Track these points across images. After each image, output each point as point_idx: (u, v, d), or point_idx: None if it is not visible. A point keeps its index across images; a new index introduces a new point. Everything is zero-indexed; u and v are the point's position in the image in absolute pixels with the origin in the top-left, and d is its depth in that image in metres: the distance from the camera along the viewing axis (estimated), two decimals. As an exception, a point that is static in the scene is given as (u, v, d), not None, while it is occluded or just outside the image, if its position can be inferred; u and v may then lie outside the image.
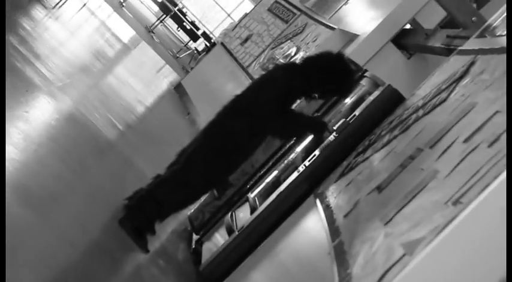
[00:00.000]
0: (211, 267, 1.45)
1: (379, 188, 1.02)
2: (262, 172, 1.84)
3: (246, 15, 4.05)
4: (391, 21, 1.82)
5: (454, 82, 1.15)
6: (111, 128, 2.32)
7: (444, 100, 1.12)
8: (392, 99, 1.47)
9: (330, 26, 2.48)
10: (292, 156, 1.72)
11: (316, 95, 1.63)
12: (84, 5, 5.16)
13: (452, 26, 1.64)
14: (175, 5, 6.55)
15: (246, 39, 3.43)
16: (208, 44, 6.28)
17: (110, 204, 1.60)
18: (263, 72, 1.80)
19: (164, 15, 6.66)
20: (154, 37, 6.24)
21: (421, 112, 1.19)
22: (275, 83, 1.61)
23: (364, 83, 1.73)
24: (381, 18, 1.87)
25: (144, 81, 4.23)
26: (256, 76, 2.16)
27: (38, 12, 3.36)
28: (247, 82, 2.70)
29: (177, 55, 6.18)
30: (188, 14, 6.82)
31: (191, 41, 6.54)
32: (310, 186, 1.42)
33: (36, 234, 1.17)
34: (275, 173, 1.73)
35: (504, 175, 0.68)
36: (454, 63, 1.26)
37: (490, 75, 1.02)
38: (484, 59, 1.12)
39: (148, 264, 1.48)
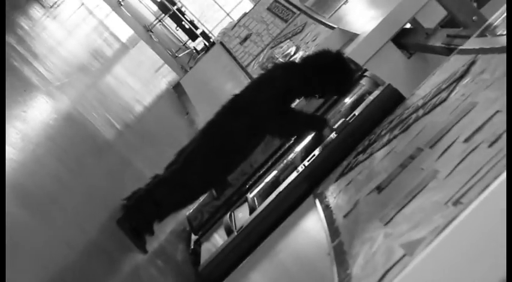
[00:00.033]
0: (210, 268, 1.45)
1: (379, 188, 1.01)
2: (261, 172, 1.83)
3: (245, 14, 4.05)
4: (391, 21, 1.82)
5: (455, 82, 1.14)
6: (110, 127, 2.32)
7: (444, 100, 1.12)
8: (392, 99, 1.47)
9: (329, 25, 2.47)
10: (292, 156, 1.72)
11: (316, 95, 1.63)
12: (82, 4, 5.14)
13: (453, 25, 1.64)
14: (174, 4, 6.54)
15: (245, 39, 3.43)
16: (207, 44, 6.27)
17: (108, 204, 1.59)
18: (262, 72, 1.79)
19: (163, 15, 6.65)
20: (153, 36, 6.23)
21: (421, 112, 1.19)
22: (274, 83, 1.60)
23: (364, 82, 1.72)
24: (380, 18, 1.86)
25: (142, 80, 4.23)
26: (255, 76, 2.16)
27: (35, 11, 3.35)
28: (246, 82, 2.69)
29: (176, 54, 6.17)
30: (187, 13, 6.81)
31: (190, 40, 6.53)
32: (309, 186, 1.42)
33: (33, 234, 1.16)
34: (274, 173, 1.73)
35: (504, 175, 0.68)
36: (454, 63, 1.26)
37: (491, 75, 1.02)
38: (485, 59, 1.12)
39: (147, 264, 1.47)
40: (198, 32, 6.36)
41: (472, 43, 1.28)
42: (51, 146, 1.66)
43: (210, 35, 6.76)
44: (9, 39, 2.24)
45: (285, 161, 1.73)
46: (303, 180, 1.46)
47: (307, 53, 2.34)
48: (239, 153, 1.62)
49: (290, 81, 1.58)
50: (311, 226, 1.25)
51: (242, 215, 1.60)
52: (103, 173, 1.84)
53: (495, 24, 1.26)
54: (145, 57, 5.10)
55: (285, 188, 1.48)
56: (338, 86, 1.65)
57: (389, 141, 1.22)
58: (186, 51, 6.41)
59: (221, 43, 3.80)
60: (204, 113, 2.88)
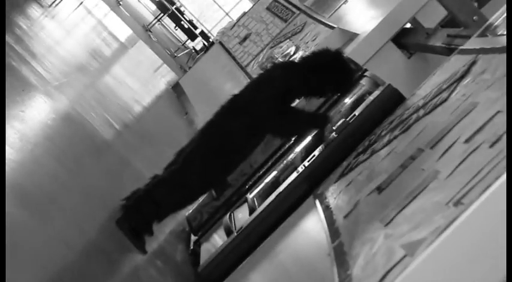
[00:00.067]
0: (209, 269, 1.44)
1: (380, 189, 1.01)
2: (261, 172, 1.83)
3: (244, 14, 4.04)
4: (391, 20, 1.82)
5: (455, 82, 1.14)
6: (108, 127, 2.31)
7: (445, 100, 1.11)
8: (393, 99, 1.46)
9: (329, 25, 2.47)
10: (292, 156, 1.71)
11: (316, 95, 1.62)
12: (81, 3, 5.13)
13: (453, 25, 1.63)
14: (173, 3, 6.52)
15: (245, 39, 3.42)
16: (206, 43, 6.26)
17: (106, 205, 1.58)
18: (261, 72, 1.79)
19: (162, 14, 6.64)
20: (151, 36, 6.21)
21: (421, 112, 1.19)
22: (273, 83, 1.60)
23: (364, 82, 1.72)
24: (381, 17, 1.86)
25: (141, 80, 4.21)
26: (255, 75, 2.15)
27: (34, 10, 3.33)
28: (245, 81, 2.69)
29: (175, 54, 6.16)
30: (186, 12, 6.79)
31: (189, 40, 6.52)
32: (309, 186, 1.41)
33: (31, 234, 1.15)
34: (274, 173, 1.72)
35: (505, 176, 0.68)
36: (455, 63, 1.26)
37: (492, 75, 1.01)
38: (486, 59, 1.11)
39: (146, 265, 1.46)
40: (197, 31, 6.35)
41: (472, 43, 1.28)
42: (49, 146, 1.65)
43: (209, 34, 6.74)
44: (8, 38, 2.23)
45: (285, 162, 1.73)
46: (303, 181, 1.45)
47: (306, 53, 2.34)
48: (238, 153, 1.62)
49: (289, 81, 1.58)
50: (311, 227, 1.24)
51: (242, 216, 1.59)
52: (102, 173, 1.84)
53: (496, 24, 1.26)
54: (144, 57, 5.09)
55: (285, 189, 1.47)
56: (338, 85, 1.64)
57: (389, 141, 1.22)
58: (185, 51, 6.40)
59: (220, 43, 3.80)
60: (203, 113, 2.88)
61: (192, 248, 1.73)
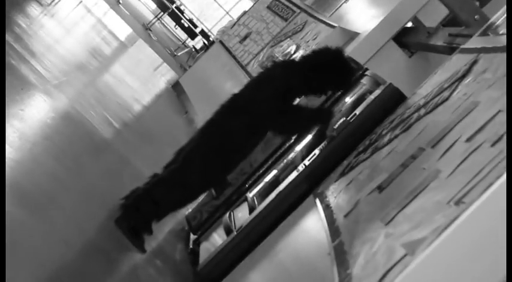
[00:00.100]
0: (209, 268, 1.44)
1: (380, 188, 1.01)
2: (261, 171, 1.82)
3: (245, 13, 4.03)
4: (392, 19, 1.81)
5: (457, 81, 1.14)
6: (108, 126, 2.30)
7: (446, 99, 1.11)
8: (394, 98, 1.46)
9: (330, 24, 2.46)
10: (292, 155, 1.71)
11: (317, 93, 1.62)
12: (81, 2, 5.11)
13: (455, 24, 1.63)
14: (173, 2, 6.50)
15: (245, 37, 3.41)
16: (206, 42, 6.25)
17: (106, 204, 1.58)
18: (261, 70, 1.78)
19: (162, 13, 6.62)
20: (151, 35, 6.20)
21: (422, 111, 1.18)
22: (274, 82, 1.59)
23: (365, 81, 1.71)
24: (382, 16, 1.86)
25: (141, 79, 4.21)
26: (255, 75, 2.15)
27: (33, 9, 3.32)
28: (246, 81, 2.68)
29: (175, 53, 6.15)
30: (186, 11, 6.78)
31: (189, 39, 6.51)
32: (309, 185, 1.41)
33: (30, 233, 1.15)
34: (274, 172, 1.72)
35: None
36: (456, 62, 1.25)
37: (493, 74, 1.01)
38: (487, 58, 1.11)
39: (145, 264, 1.46)
40: (197, 30, 6.34)
41: (474, 42, 1.28)
42: (48, 144, 1.64)
43: (209, 33, 6.73)
44: (7, 37, 2.23)
45: (285, 160, 1.72)
46: (303, 180, 1.45)
47: (307, 52, 2.33)
48: (238, 152, 1.61)
49: (290, 80, 1.57)
50: (311, 226, 1.24)
51: (242, 215, 1.59)
52: (101, 172, 1.83)
53: (497, 23, 1.26)
54: (144, 56, 5.08)
55: (285, 188, 1.47)
56: (338, 84, 1.64)
57: (390, 140, 1.21)
58: (185, 50, 6.39)
59: (220, 42, 3.79)
60: (203, 112, 2.87)
61: (191, 247, 1.73)
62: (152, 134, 2.86)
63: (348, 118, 1.53)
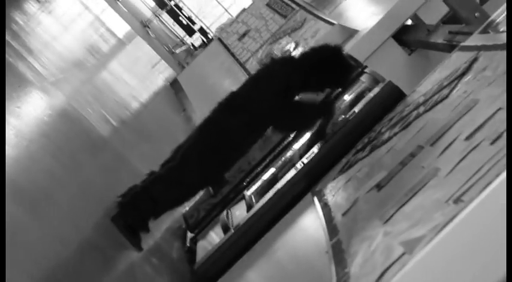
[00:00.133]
0: (206, 266, 1.43)
1: (379, 186, 1.00)
2: (259, 169, 1.82)
3: (244, 10, 4.02)
4: (392, 17, 1.81)
5: (456, 79, 1.13)
6: (105, 123, 2.29)
7: (446, 97, 1.11)
8: (393, 96, 1.45)
9: (329, 22, 2.46)
10: (290, 153, 1.70)
11: (316, 91, 1.61)
12: (79, -2, 5.08)
13: (455, 22, 1.63)
14: (172, -1, 6.48)
15: (244, 35, 3.40)
16: (205, 40, 6.23)
17: (102, 201, 1.57)
18: (259, 67, 1.77)
19: (160, 10, 6.59)
20: (149, 32, 6.18)
21: (422, 109, 1.18)
22: (273, 79, 1.58)
23: (364, 79, 1.71)
24: (381, 14, 1.85)
25: (139, 76, 4.19)
26: (253, 72, 2.14)
27: (30, 6, 3.30)
28: (244, 78, 2.67)
29: (173, 50, 6.13)
30: (184, 8, 6.75)
31: (187, 36, 6.48)
32: (307, 183, 1.40)
33: (26, 230, 1.14)
34: (272, 170, 1.71)
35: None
36: (456, 60, 1.25)
37: (493, 72, 1.01)
38: (487, 56, 1.10)
39: (142, 262, 1.45)
40: (196, 27, 6.32)
41: (474, 40, 1.27)
42: (45, 142, 1.63)
43: (207, 30, 6.71)
44: (4, 34, 2.21)
45: (283, 158, 1.71)
46: (302, 178, 1.44)
47: (306, 48, 2.32)
48: (236, 150, 1.60)
49: (288, 77, 1.56)
50: (309, 224, 1.24)
51: (239, 213, 1.58)
52: (98, 169, 1.82)
53: (498, 20, 1.25)
54: (142, 53, 5.05)
55: (283, 186, 1.46)
56: (337, 82, 1.63)
57: (389, 138, 1.21)
58: (183, 47, 6.37)
59: (219, 39, 3.78)
60: (201, 110, 2.86)
61: (188, 245, 1.72)
62: (150, 131, 2.84)
63: (347, 116, 1.52)
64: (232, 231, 1.46)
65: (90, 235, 1.37)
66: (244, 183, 1.81)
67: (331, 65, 1.58)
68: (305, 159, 1.49)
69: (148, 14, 7.02)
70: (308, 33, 2.58)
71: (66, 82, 2.40)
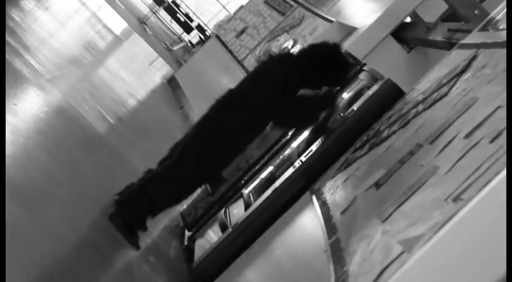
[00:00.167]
0: (204, 265, 1.43)
1: (377, 185, 1.00)
2: (257, 167, 1.81)
3: (241, 7, 4.00)
4: (391, 14, 1.80)
5: (456, 76, 1.13)
6: (102, 121, 2.27)
7: (445, 95, 1.10)
8: (392, 94, 1.45)
9: (328, 19, 2.45)
10: (288, 151, 1.69)
11: (314, 89, 1.60)
12: (75, -5, 5.03)
13: (454, 19, 1.62)
14: (169, -4, 6.44)
15: (242, 32, 3.39)
16: (202, 37, 6.20)
17: (99, 199, 1.56)
18: (257, 64, 1.75)
19: (157, 7, 6.56)
20: (147, 29, 6.14)
21: (421, 107, 1.18)
22: (270, 76, 1.57)
23: (363, 77, 1.70)
24: (380, 11, 1.84)
25: (136, 73, 4.16)
26: (251, 69, 2.12)
27: (27, 2, 3.27)
28: (242, 76, 2.66)
29: (171, 47, 6.10)
30: (182, 5, 6.72)
31: (185, 33, 6.45)
32: (306, 182, 1.40)
33: (21, 228, 1.13)
34: (270, 168, 1.70)
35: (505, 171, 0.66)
36: (455, 57, 1.24)
37: (493, 70, 1.00)
38: (487, 53, 1.10)
39: (139, 261, 1.44)
40: (193, 24, 6.29)
41: (473, 37, 1.27)
42: (41, 139, 1.61)
43: (205, 28, 6.68)
44: (0, 30, 2.18)
45: (281, 157, 1.71)
46: (300, 176, 1.44)
47: (304, 46, 2.30)
48: (234, 147, 1.60)
49: (286, 74, 1.55)
50: (307, 223, 1.23)
51: (237, 211, 1.58)
52: (95, 167, 1.81)
53: (497, 18, 1.24)
54: (139, 50, 5.02)
55: (281, 184, 1.46)
56: (334, 80, 1.62)
57: (388, 136, 1.20)
58: (180, 44, 6.34)
59: (217, 36, 3.76)
60: (198, 108, 2.85)
61: (186, 243, 1.71)
62: (147, 129, 2.83)
63: (345, 114, 1.51)
64: (230, 229, 1.45)
65: (87, 233, 1.36)
66: (242, 182, 1.80)
67: (329, 63, 1.57)
68: (303, 158, 1.49)
69: (145, 10, 6.98)
70: (306, 31, 2.56)
71: (62, 79, 2.38)
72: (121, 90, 3.20)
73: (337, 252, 0.89)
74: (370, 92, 1.55)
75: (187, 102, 3.47)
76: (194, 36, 6.41)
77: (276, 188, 1.46)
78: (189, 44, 6.26)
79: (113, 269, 1.32)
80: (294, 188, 1.42)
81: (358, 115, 1.49)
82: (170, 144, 1.64)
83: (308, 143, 1.58)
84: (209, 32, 6.25)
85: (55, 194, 1.39)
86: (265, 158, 1.81)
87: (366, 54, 1.79)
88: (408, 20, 1.87)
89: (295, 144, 1.69)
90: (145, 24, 6.33)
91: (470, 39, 1.28)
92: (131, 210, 1.49)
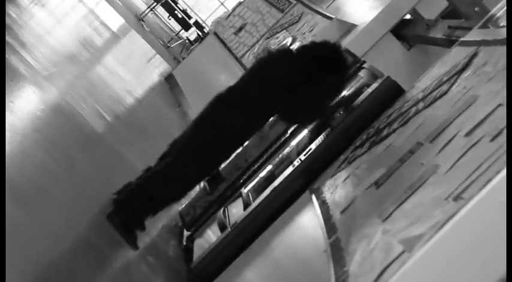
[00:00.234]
0: (202, 265, 1.42)
1: (377, 183, 0.99)
2: (256, 166, 1.80)
3: (240, 3, 3.97)
4: (390, 11, 1.79)
5: (456, 74, 1.12)
6: (99, 118, 2.26)
7: (445, 93, 1.10)
8: (392, 92, 1.44)
9: (327, 16, 2.43)
10: (287, 150, 1.68)
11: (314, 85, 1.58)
12: (72, -9, 4.98)
13: (454, 17, 1.61)
14: (167, -8, 6.39)
15: (240, 29, 3.36)
16: (200, 34, 6.17)
17: (97, 198, 1.55)
18: (256, 61, 1.73)
19: (155, 3, 6.51)
20: (144, 26, 6.10)
21: (421, 105, 1.17)
22: (270, 72, 1.56)
23: (362, 74, 1.69)
24: (380, 8, 1.83)
25: (133, 71, 4.14)
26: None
27: (23, -2, 3.23)
28: (241, 73, 2.64)
29: (168, 44, 6.06)
30: (180, 2, 6.67)
31: (183, 30, 6.42)
32: (305, 181, 1.39)
33: (18, 227, 1.11)
34: (269, 167, 1.69)
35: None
36: (455, 55, 1.24)
37: (493, 67, 1.00)
38: (487, 51, 1.09)
39: (137, 260, 1.43)
40: (191, 21, 6.25)
41: (474, 35, 1.26)
42: (38, 137, 1.60)
43: (203, 24, 6.65)
44: (-4, 27, 2.15)
45: (280, 155, 1.70)
46: (299, 175, 1.43)
47: (303, 43, 2.29)
48: (232, 144, 1.58)
49: (285, 71, 1.54)
50: (307, 222, 1.23)
51: (236, 211, 1.57)
52: (92, 165, 1.79)
53: (498, 15, 1.24)
54: (137, 47, 4.99)
55: (280, 183, 1.45)
56: (334, 78, 1.61)
57: (388, 135, 1.20)
58: (178, 42, 6.31)
59: (215, 33, 3.73)
60: (196, 105, 2.83)
61: (185, 243, 1.70)
62: (144, 127, 2.81)
63: (345, 112, 1.50)
64: (229, 229, 1.44)
65: (84, 232, 1.35)
66: (241, 181, 1.79)
67: (328, 62, 1.55)
68: (303, 156, 1.48)
69: (143, 7, 6.93)
70: (305, 28, 2.55)
71: (59, 76, 2.36)
72: (118, 87, 3.18)
73: (337, 251, 0.88)
74: (369, 90, 1.54)
75: (185, 100, 3.45)
76: (192, 33, 6.38)
77: (275, 187, 1.45)
78: (187, 41, 6.22)
79: (110, 269, 1.31)
80: (294, 187, 1.41)
81: (358, 113, 1.48)
82: (168, 142, 1.63)
83: (307, 141, 1.57)
84: (207, 29, 6.22)
85: (52, 192, 1.38)
86: (264, 157, 1.80)
87: (366, 51, 1.78)
88: (408, 17, 1.86)
89: (294, 142, 1.68)
90: (143, 21, 6.29)
91: (470, 36, 1.27)
92: (129, 209, 1.48)
